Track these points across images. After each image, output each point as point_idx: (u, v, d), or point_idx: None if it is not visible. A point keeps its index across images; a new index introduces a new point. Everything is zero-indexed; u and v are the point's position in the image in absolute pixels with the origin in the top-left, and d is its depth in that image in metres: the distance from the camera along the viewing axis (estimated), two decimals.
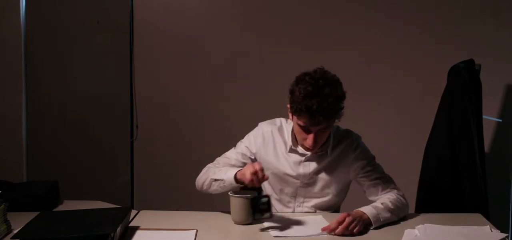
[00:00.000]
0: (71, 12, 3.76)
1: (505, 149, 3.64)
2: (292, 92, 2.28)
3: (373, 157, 2.47)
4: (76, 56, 3.77)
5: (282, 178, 2.44)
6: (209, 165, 2.49)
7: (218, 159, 2.51)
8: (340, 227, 2.12)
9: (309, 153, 2.41)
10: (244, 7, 3.75)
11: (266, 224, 2.25)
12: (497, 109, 3.63)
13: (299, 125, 2.27)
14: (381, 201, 2.33)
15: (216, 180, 2.32)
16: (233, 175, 2.23)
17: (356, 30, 3.69)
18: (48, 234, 1.93)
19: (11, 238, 1.87)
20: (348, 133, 2.46)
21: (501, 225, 2.27)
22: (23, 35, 3.67)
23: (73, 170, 3.74)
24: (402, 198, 2.38)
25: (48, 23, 3.75)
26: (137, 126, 3.81)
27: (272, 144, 2.45)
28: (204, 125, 3.79)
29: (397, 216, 2.32)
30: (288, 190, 2.45)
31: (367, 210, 2.24)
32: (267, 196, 2.21)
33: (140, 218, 2.35)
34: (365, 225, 2.21)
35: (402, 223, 2.30)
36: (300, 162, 2.42)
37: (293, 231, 2.18)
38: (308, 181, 2.43)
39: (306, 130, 2.26)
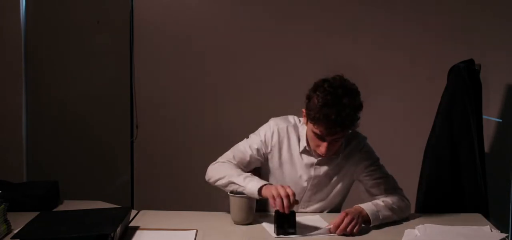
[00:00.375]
0: (71, 12, 3.76)
1: (506, 149, 3.64)
2: (309, 98, 2.25)
3: (378, 158, 2.47)
4: (76, 56, 3.77)
5: (292, 178, 2.43)
6: (223, 159, 2.42)
7: (231, 152, 2.44)
8: (339, 229, 2.13)
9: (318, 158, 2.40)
10: (244, 7, 3.75)
11: (265, 225, 2.25)
12: (497, 109, 3.63)
13: (314, 132, 2.25)
14: (382, 199, 2.34)
15: (234, 183, 2.26)
16: (257, 189, 2.17)
17: (356, 30, 3.69)
18: (48, 234, 1.93)
19: (11, 238, 1.87)
20: (355, 134, 2.46)
21: (501, 225, 2.27)
22: (23, 35, 3.67)
23: (73, 170, 3.74)
24: (404, 199, 2.39)
25: (48, 23, 3.75)
26: (137, 126, 3.81)
27: (286, 142, 2.43)
28: (204, 125, 3.79)
29: (398, 216, 2.32)
30: (295, 191, 2.43)
31: (367, 207, 2.25)
32: (293, 212, 2.16)
33: (140, 218, 2.35)
34: (364, 221, 2.21)
35: (402, 223, 2.30)
36: (312, 164, 2.41)
37: (296, 232, 2.17)
38: (318, 182, 2.43)
39: (320, 138, 2.25)
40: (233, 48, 3.75)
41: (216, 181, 2.34)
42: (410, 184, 3.14)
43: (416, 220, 2.33)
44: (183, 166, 3.77)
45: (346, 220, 2.14)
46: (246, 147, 2.43)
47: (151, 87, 3.79)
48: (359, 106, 2.22)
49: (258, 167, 2.49)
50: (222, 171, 2.34)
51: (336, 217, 2.18)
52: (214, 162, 2.43)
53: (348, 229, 2.13)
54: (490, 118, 3.57)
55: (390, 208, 2.30)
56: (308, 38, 3.68)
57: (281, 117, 2.48)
